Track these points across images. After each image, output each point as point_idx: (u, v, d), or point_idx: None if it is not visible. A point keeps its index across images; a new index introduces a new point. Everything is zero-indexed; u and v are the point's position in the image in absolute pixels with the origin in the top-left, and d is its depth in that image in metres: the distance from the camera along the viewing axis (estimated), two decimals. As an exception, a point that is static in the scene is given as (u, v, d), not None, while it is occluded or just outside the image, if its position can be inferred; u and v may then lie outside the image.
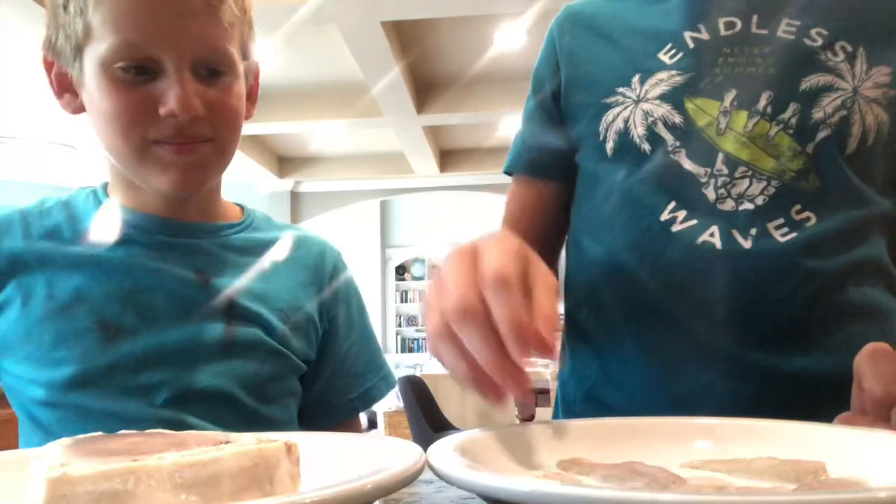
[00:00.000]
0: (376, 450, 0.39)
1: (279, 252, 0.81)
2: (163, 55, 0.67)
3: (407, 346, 8.90)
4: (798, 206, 0.65)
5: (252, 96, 0.81)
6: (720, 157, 0.67)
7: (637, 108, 0.71)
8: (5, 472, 0.39)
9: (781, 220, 0.65)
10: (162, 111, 0.67)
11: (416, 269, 9.10)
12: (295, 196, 7.21)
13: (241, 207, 0.85)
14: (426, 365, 7.75)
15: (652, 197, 0.69)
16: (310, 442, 0.41)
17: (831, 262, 0.65)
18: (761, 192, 0.65)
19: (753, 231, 0.65)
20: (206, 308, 0.73)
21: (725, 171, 0.66)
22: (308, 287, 0.82)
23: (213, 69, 0.70)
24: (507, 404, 0.43)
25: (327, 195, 7.30)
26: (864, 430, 0.40)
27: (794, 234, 0.64)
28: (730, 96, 0.67)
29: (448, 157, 6.83)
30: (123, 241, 0.73)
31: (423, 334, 9.05)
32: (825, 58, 0.67)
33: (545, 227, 0.82)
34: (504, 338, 0.40)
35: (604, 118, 0.73)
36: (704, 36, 0.70)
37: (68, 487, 0.28)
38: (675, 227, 0.67)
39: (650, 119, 0.69)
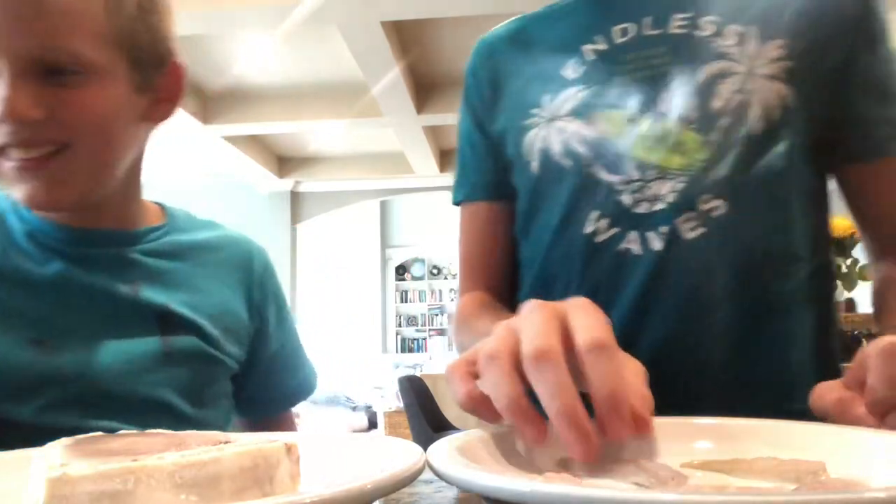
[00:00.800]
0: (376, 450, 0.39)
1: (207, 255, 0.79)
2: None
3: (407, 346, 8.89)
4: (706, 196, 0.65)
5: (169, 95, 0.74)
6: (632, 163, 0.68)
7: (552, 127, 0.72)
8: (5, 472, 0.39)
9: (691, 214, 0.65)
10: None
11: (416, 269, 9.10)
12: (295, 196, 7.21)
13: (161, 207, 0.82)
14: (426, 365, 7.75)
15: (576, 212, 0.71)
16: (310, 442, 0.41)
17: (742, 256, 0.66)
18: (670, 190, 0.66)
19: (664, 230, 0.66)
20: (140, 321, 0.70)
21: (637, 175, 0.68)
22: (237, 288, 0.80)
23: (59, 70, 0.63)
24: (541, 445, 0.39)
25: (327, 195, 7.30)
26: (864, 430, 0.40)
27: (703, 230, 0.65)
28: (633, 103, 0.69)
29: (448, 157, 6.83)
30: (49, 256, 0.68)
31: (423, 334, 9.08)
32: (717, 45, 0.68)
33: (503, 249, 0.83)
34: (599, 403, 0.36)
35: (524, 140, 0.75)
36: (602, 47, 0.72)
37: (68, 487, 0.27)
38: (599, 238, 0.69)
39: (564, 135, 0.71)
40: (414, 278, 9.10)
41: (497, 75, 0.80)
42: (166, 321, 0.72)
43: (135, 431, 0.39)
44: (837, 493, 0.25)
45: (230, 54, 4.49)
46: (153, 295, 0.72)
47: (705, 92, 0.67)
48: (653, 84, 0.69)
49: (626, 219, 0.68)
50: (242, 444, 0.33)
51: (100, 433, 0.38)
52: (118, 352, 0.68)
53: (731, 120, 0.66)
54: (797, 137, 0.68)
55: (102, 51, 0.65)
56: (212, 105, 5.26)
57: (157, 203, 0.82)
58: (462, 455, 0.37)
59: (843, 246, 2.22)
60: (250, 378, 0.81)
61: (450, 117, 5.29)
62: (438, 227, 8.69)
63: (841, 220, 2.22)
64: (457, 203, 0.86)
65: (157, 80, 0.71)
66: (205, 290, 0.76)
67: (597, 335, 0.37)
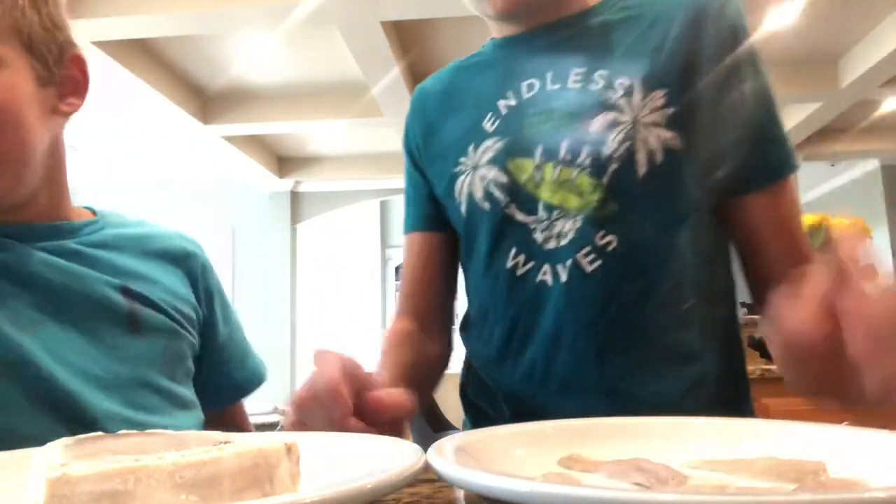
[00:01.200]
0: (376, 450, 0.39)
1: (146, 246, 0.79)
2: None
3: (407, 346, 8.88)
4: (601, 232, 0.74)
5: (75, 88, 0.73)
6: (540, 205, 0.77)
7: (475, 174, 0.81)
8: (5, 472, 0.39)
9: (588, 249, 0.74)
10: None
11: (416, 269, 9.09)
12: (295, 196, 7.20)
13: (91, 210, 0.81)
14: (426, 365, 7.73)
15: (498, 248, 0.80)
16: (310, 442, 0.41)
17: (633, 286, 0.74)
18: (571, 228, 0.75)
19: (569, 263, 0.75)
20: (104, 287, 0.70)
21: (545, 216, 0.77)
22: (182, 278, 0.81)
23: None
24: None
25: (327, 195, 7.29)
26: (864, 430, 0.40)
27: (599, 262, 0.74)
28: (538, 152, 0.77)
29: (448, 157, 6.83)
30: None
31: (423, 334, 9.04)
32: (607, 97, 0.76)
33: (437, 276, 0.92)
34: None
35: (455, 186, 0.84)
36: (512, 102, 0.81)
37: (68, 487, 0.27)
38: (519, 272, 0.78)
39: (484, 182, 0.80)
40: (414, 278, 9.09)
41: (428, 127, 0.90)
42: (129, 293, 0.72)
43: (134, 431, 0.39)
44: (837, 493, 0.25)
45: (230, 54, 4.49)
46: (109, 277, 0.72)
47: (598, 140, 0.75)
48: (554, 135, 0.77)
49: (539, 254, 0.77)
50: (242, 444, 0.33)
51: (100, 433, 0.38)
52: (83, 324, 0.68)
53: (619, 164, 0.74)
54: (687, 178, 0.75)
55: (9, 40, 0.65)
56: (212, 105, 5.25)
57: (86, 207, 0.82)
58: (462, 455, 0.37)
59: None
60: (200, 368, 0.82)
61: (450, 117, 5.30)
62: (438, 227, 8.67)
63: (840, 221, 2.21)
64: (404, 234, 0.96)
65: (61, 72, 0.71)
66: (152, 278, 0.77)
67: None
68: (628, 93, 0.75)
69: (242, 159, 6.10)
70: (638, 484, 0.36)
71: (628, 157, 0.74)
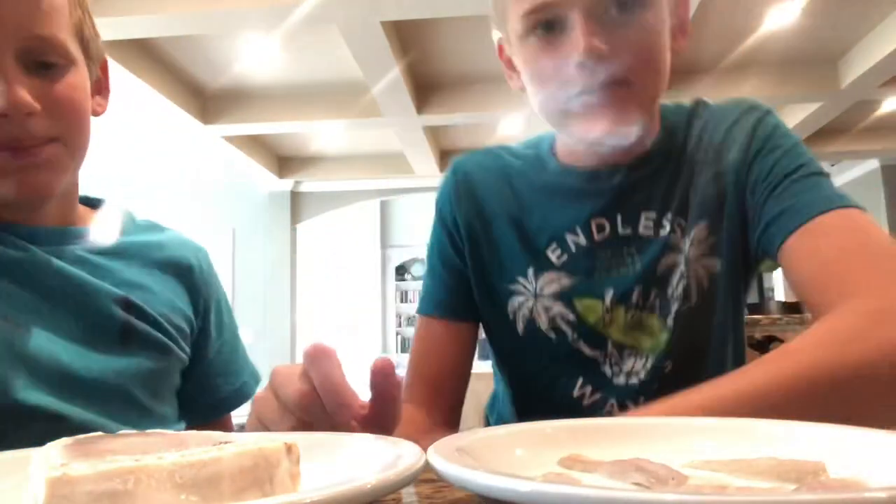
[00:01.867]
0: (376, 450, 0.39)
1: (150, 255, 0.79)
2: None
3: (407, 346, 8.89)
4: (668, 363, 0.78)
5: (102, 90, 0.75)
6: (610, 343, 0.80)
7: (538, 303, 0.83)
8: (5, 472, 0.39)
9: (658, 385, 0.78)
10: None
11: (416, 269, 9.10)
12: (295, 196, 7.21)
13: (96, 203, 0.81)
14: (426, 365, 7.74)
15: (564, 376, 0.82)
16: (310, 442, 0.41)
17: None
18: (642, 367, 0.79)
19: (641, 400, 0.78)
20: (101, 307, 0.70)
21: (616, 353, 0.80)
22: (182, 288, 0.81)
23: (43, 61, 0.64)
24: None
25: (327, 195, 7.30)
26: (865, 430, 0.40)
27: (657, 384, 0.77)
28: (609, 295, 0.80)
29: (448, 157, 6.83)
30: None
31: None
32: (671, 239, 0.79)
33: (454, 367, 0.90)
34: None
35: (510, 303, 0.84)
36: (582, 240, 0.82)
37: (68, 487, 0.27)
38: (586, 402, 0.80)
39: (550, 314, 0.82)
40: (414, 278, 9.10)
41: (481, 218, 0.87)
42: (128, 305, 0.72)
43: (134, 432, 0.39)
44: (837, 493, 0.25)
45: (230, 54, 4.49)
46: (111, 286, 0.72)
47: (663, 283, 0.79)
48: (625, 279, 0.80)
49: (607, 387, 0.80)
50: (242, 444, 0.32)
51: (100, 433, 0.38)
52: (76, 331, 0.68)
53: (679, 303, 0.78)
54: (731, 287, 0.79)
55: (72, 43, 0.67)
56: (212, 105, 5.25)
57: (88, 200, 0.81)
58: (462, 455, 0.37)
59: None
60: (189, 380, 0.81)
61: (450, 117, 5.30)
62: (438, 227, 8.68)
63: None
64: (420, 314, 0.92)
65: (99, 74, 0.74)
66: (152, 288, 0.76)
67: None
68: (684, 232, 0.79)
69: (242, 159, 6.11)
70: (638, 484, 0.36)
71: (684, 295, 0.78)
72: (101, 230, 0.76)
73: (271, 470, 0.32)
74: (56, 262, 0.69)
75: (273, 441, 0.34)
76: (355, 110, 5.16)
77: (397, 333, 9.01)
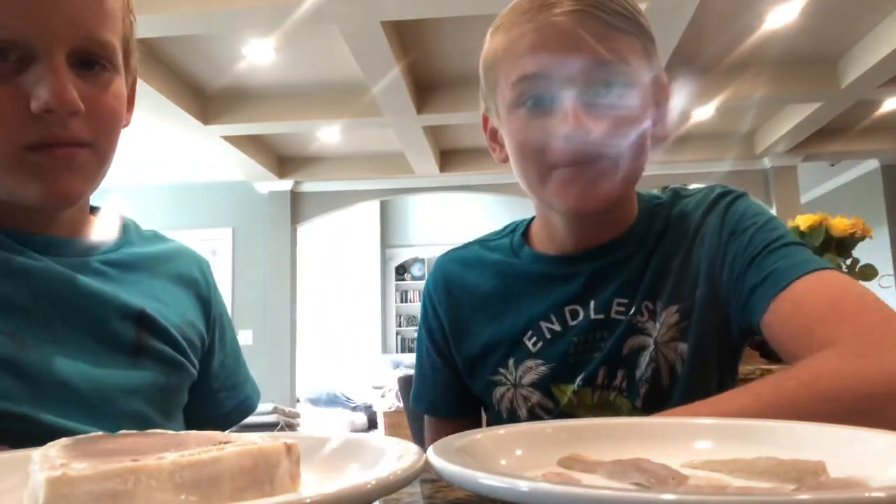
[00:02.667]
0: (376, 450, 0.39)
1: (161, 267, 0.78)
2: (33, 38, 0.58)
3: (407, 346, 8.89)
4: None
5: (130, 103, 0.74)
6: None
7: (517, 393, 0.85)
8: (5, 473, 0.39)
9: None
10: (34, 106, 0.58)
11: (416, 269, 9.10)
12: (295, 196, 7.20)
13: (95, 210, 0.79)
14: (426, 365, 7.72)
15: None
16: (310, 442, 0.41)
17: None
18: None
19: None
20: (117, 312, 0.68)
21: None
22: (193, 300, 0.80)
23: (91, 61, 0.62)
24: None
25: (327, 195, 7.29)
26: (865, 430, 0.40)
27: None
28: (578, 377, 0.81)
29: (448, 157, 6.82)
30: (9, 258, 0.64)
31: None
32: (637, 321, 0.80)
33: None
34: None
35: (494, 393, 0.87)
36: (556, 327, 0.84)
37: (68, 487, 0.27)
38: None
39: (529, 404, 0.84)
40: (414, 278, 9.10)
41: (458, 320, 0.90)
42: (141, 321, 0.70)
43: (134, 432, 0.39)
44: (837, 493, 0.25)
45: (230, 54, 4.49)
46: (129, 298, 0.70)
47: (630, 364, 0.80)
48: (594, 361, 0.81)
49: None
50: (242, 445, 0.32)
51: (100, 433, 0.38)
52: (90, 345, 0.66)
53: (649, 386, 0.79)
54: (708, 369, 0.80)
55: (119, 49, 0.66)
56: (212, 105, 5.25)
57: (92, 206, 0.79)
58: (462, 455, 0.37)
59: (844, 245, 2.21)
60: (194, 395, 0.80)
61: (450, 117, 5.30)
62: (438, 227, 8.68)
63: (840, 220, 2.21)
64: (414, 409, 0.98)
65: (130, 87, 0.72)
66: (166, 300, 0.75)
67: None
68: (652, 315, 0.80)
69: (242, 159, 6.10)
70: (638, 484, 0.36)
71: (654, 377, 0.79)
72: (114, 241, 0.75)
73: (271, 470, 0.32)
74: (80, 277, 0.67)
75: (273, 441, 0.34)
76: (355, 110, 5.16)
77: (397, 333, 9.01)
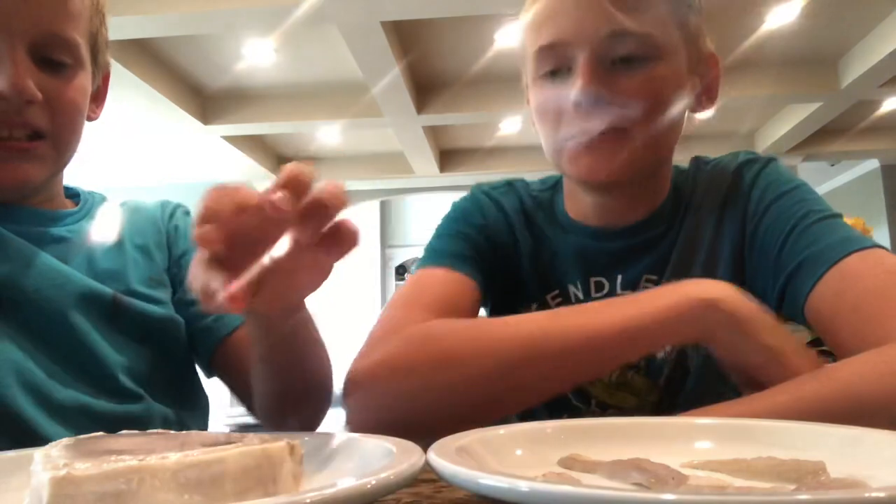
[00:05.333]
0: (376, 450, 0.39)
1: (125, 227, 0.80)
2: None
3: (407, 346, 8.89)
4: None
5: (100, 98, 0.77)
6: (593, 401, 0.80)
7: None
8: (6, 472, 0.39)
9: None
10: None
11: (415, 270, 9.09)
12: (295, 196, 7.20)
13: (78, 192, 0.82)
14: (426, 365, 7.72)
15: (551, 413, 0.79)
16: (311, 442, 0.41)
17: None
18: None
19: None
20: (89, 282, 0.70)
21: (599, 411, 0.80)
22: (157, 244, 0.81)
23: (53, 58, 0.65)
24: None
25: (327, 195, 7.29)
26: (865, 430, 0.40)
27: None
28: None
29: (448, 157, 6.82)
30: None
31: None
32: None
33: (457, 307, 0.80)
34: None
35: None
36: (580, 294, 0.82)
37: (72, 487, 0.28)
38: None
39: None
40: (414, 278, 9.09)
41: (501, 243, 0.84)
42: (116, 279, 0.73)
43: (136, 432, 0.39)
44: (837, 493, 0.25)
45: (230, 54, 4.49)
46: (99, 262, 0.73)
47: None
48: None
49: None
50: (246, 444, 0.33)
51: (101, 433, 0.38)
52: (72, 306, 0.68)
53: (672, 367, 0.77)
54: None
55: (85, 47, 0.68)
56: (212, 105, 5.25)
57: (71, 190, 0.82)
58: (462, 455, 0.37)
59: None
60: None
61: (450, 117, 5.30)
62: (438, 227, 8.67)
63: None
64: (433, 265, 0.81)
65: (100, 83, 0.76)
66: (134, 259, 0.77)
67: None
68: None
69: (242, 159, 6.10)
70: (638, 484, 0.36)
71: (679, 361, 0.77)
72: (77, 214, 0.77)
73: (275, 470, 0.33)
74: (36, 248, 0.68)
75: (276, 441, 0.34)
76: (355, 110, 5.16)
77: (397, 333, 9.00)
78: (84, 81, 0.69)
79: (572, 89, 0.70)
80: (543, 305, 0.83)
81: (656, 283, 0.78)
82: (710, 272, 0.77)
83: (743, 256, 0.76)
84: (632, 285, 0.79)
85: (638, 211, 0.80)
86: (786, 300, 0.70)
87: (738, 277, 0.76)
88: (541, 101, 0.75)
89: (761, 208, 0.75)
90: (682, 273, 0.77)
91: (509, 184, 0.91)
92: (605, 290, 0.80)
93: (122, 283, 0.74)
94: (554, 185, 0.90)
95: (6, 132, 0.64)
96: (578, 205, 0.84)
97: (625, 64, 0.70)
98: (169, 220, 0.85)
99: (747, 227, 0.76)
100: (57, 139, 0.67)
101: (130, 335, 0.73)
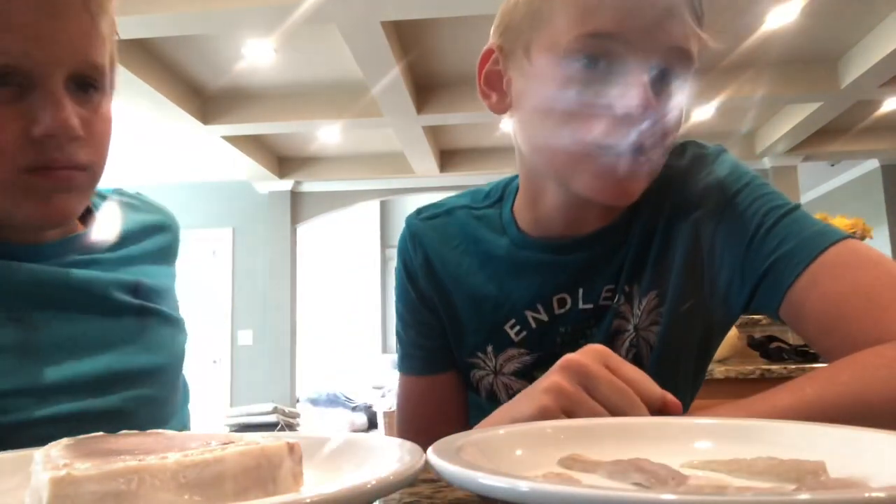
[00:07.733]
0: (376, 450, 0.39)
1: (136, 244, 0.80)
2: (35, 64, 0.58)
3: (407, 346, 8.88)
4: None
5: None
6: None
7: (497, 379, 0.81)
8: (6, 472, 0.39)
9: None
10: (36, 131, 0.58)
11: (415, 269, 9.08)
12: (295, 196, 7.20)
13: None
14: (426, 365, 7.71)
15: None
16: (310, 442, 0.41)
17: None
18: None
19: None
20: (115, 299, 0.71)
21: None
22: (168, 266, 0.84)
23: (86, 84, 0.63)
24: None
25: (327, 195, 7.29)
26: (865, 430, 0.40)
27: None
28: None
29: (448, 157, 6.82)
30: None
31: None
32: (620, 306, 0.77)
33: (448, 413, 0.87)
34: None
35: (472, 374, 0.83)
36: (543, 316, 0.79)
37: (72, 487, 0.28)
38: None
39: (511, 391, 0.80)
40: (414, 278, 9.08)
41: (439, 289, 0.83)
42: (137, 293, 0.74)
43: (135, 432, 0.39)
44: (837, 493, 0.25)
45: (230, 54, 4.49)
46: (120, 276, 0.73)
47: (609, 346, 0.75)
48: (574, 346, 0.77)
49: None
50: (245, 444, 0.33)
51: (101, 433, 0.38)
52: (97, 329, 0.69)
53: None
54: (691, 344, 0.77)
55: (108, 70, 0.66)
56: (212, 105, 5.25)
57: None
58: (462, 455, 0.37)
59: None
60: None
61: (450, 117, 5.29)
62: (438, 227, 8.66)
63: (840, 220, 2.21)
64: (403, 373, 0.89)
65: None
66: (148, 273, 0.78)
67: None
68: (629, 299, 0.76)
69: (242, 159, 6.10)
70: (637, 484, 0.36)
71: (633, 362, 0.74)
72: (84, 235, 0.76)
73: (274, 470, 0.33)
74: (74, 272, 0.69)
75: (276, 441, 0.34)
76: (355, 110, 5.16)
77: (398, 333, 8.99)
78: (109, 109, 0.67)
79: (628, 100, 0.62)
80: (501, 341, 0.80)
81: (613, 292, 0.76)
82: (662, 278, 0.75)
83: (697, 260, 0.73)
84: (593, 298, 0.77)
85: (601, 220, 0.77)
86: (758, 299, 0.68)
87: (691, 282, 0.74)
88: (574, 95, 0.64)
89: (718, 209, 0.72)
90: (633, 281, 0.76)
91: (449, 211, 0.86)
92: (568, 306, 0.78)
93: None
94: (500, 198, 0.84)
95: (50, 165, 0.61)
96: (535, 216, 0.79)
97: (674, 81, 0.66)
98: (177, 244, 0.87)
99: (701, 230, 0.73)
100: (93, 171, 0.66)
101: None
